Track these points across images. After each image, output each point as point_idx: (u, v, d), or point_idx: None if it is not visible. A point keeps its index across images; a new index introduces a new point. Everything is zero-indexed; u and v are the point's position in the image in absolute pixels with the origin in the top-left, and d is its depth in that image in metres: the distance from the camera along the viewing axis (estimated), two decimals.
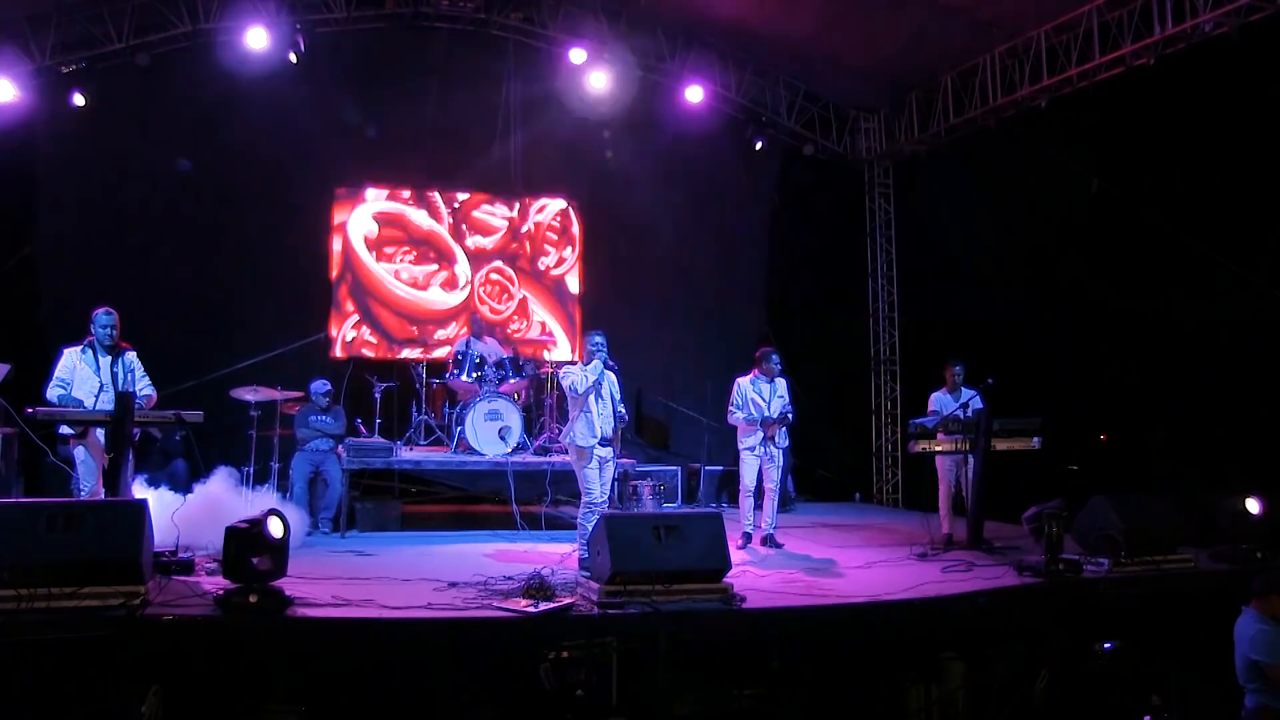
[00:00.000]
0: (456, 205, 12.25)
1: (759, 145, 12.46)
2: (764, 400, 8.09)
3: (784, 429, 8.21)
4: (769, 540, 8.09)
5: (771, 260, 13.07)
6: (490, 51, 11.96)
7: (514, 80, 11.96)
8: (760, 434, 8.05)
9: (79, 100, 10.49)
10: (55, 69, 10.49)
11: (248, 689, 5.15)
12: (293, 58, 10.78)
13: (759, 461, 8.11)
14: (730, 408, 8.25)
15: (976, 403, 8.04)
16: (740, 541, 7.95)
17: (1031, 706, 6.06)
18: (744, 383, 8.19)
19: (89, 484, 6.65)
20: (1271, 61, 8.06)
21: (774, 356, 8.25)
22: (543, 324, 12.39)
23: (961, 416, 8.00)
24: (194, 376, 9.81)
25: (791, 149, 13.00)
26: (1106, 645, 6.23)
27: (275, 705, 5.09)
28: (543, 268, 12.53)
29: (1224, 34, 8.52)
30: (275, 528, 5.14)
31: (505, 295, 12.35)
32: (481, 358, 10.03)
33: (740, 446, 8.24)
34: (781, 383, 8.22)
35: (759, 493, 8.22)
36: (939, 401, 8.43)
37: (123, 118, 10.85)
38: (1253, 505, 6.97)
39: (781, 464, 8.27)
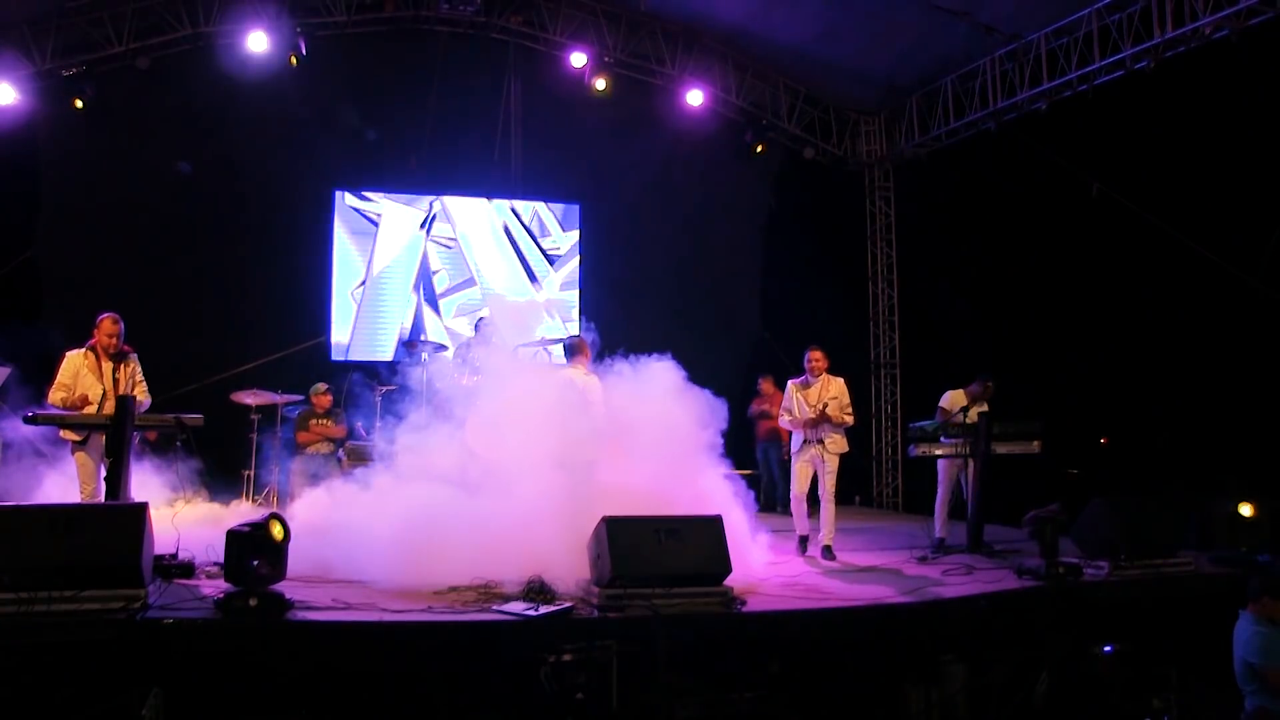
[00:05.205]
0: (456, 207, 12.25)
1: (758, 148, 12.51)
2: (809, 403, 7.92)
3: (839, 430, 7.90)
4: (827, 551, 7.72)
5: (771, 263, 13.08)
6: (490, 55, 12.00)
7: (514, 83, 11.99)
8: (802, 437, 7.92)
9: (80, 103, 10.52)
10: (56, 72, 10.52)
11: (248, 692, 5.16)
12: (293, 60, 10.80)
13: (811, 467, 7.90)
14: (781, 411, 8.24)
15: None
16: (798, 548, 7.87)
17: (1031, 710, 6.06)
18: (791, 385, 8.10)
19: (89, 487, 6.65)
20: (1271, 65, 8.07)
21: (811, 355, 8.06)
22: (543, 325, 12.38)
23: (963, 420, 7.99)
24: (194, 380, 9.82)
25: (792, 152, 13.02)
26: (1106, 648, 6.23)
27: (276, 708, 5.09)
28: (543, 269, 12.53)
29: (1224, 38, 8.53)
30: (276, 531, 5.14)
31: (505, 297, 12.34)
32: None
33: (791, 450, 8.16)
34: (835, 383, 7.95)
35: (813, 500, 7.99)
36: (950, 399, 8.35)
37: (123, 121, 10.90)
38: (1248, 510, 6.97)
39: (835, 470, 7.88)
